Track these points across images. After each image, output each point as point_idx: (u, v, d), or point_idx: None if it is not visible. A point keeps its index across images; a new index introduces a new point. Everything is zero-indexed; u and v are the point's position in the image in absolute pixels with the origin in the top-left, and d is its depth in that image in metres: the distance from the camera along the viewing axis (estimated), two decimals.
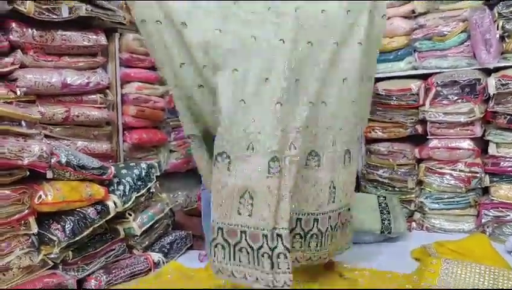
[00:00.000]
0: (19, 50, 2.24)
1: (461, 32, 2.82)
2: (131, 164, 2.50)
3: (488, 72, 2.75)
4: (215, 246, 1.73)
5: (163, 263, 2.35)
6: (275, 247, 1.65)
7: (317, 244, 1.86)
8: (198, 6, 1.85)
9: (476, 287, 1.76)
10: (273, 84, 1.74)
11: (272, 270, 1.64)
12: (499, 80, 2.62)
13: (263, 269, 1.66)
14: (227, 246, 1.71)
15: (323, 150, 1.85)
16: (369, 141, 3.16)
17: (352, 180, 2.01)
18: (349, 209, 2.01)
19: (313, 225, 1.85)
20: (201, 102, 1.86)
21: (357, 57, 1.91)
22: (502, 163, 2.66)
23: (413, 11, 3.03)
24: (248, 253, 1.69)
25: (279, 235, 1.65)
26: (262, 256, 1.66)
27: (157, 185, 2.57)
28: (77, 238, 1.99)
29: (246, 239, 1.68)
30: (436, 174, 2.82)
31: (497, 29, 2.69)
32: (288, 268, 1.64)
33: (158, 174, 2.59)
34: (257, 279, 1.67)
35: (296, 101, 1.78)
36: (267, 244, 1.66)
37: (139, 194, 2.35)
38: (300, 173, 1.79)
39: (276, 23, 1.82)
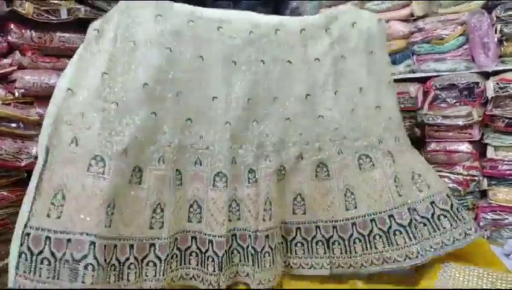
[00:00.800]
0: (17, 51, 2.24)
1: (460, 35, 2.83)
2: None
3: (486, 75, 2.76)
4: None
5: None
6: (263, 247, 1.77)
7: (341, 251, 1.90)
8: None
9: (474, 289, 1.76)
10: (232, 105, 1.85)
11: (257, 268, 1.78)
12: (497, 83, 2.63)
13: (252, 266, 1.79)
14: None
15: (330, 161, 1.95)
16: None
17: (381, 184, 1.87)
18: (391, 215, 1.85)
19: (333, 231, 1.92)
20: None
21: (329, 70, 1.97)
22: (500, 166, 2.67)
23: (411, 15, 3.04)
24: (239, 252, 1.82)
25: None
26: (251, 255, 1.78)
27: None
28: None
29: (236, 241, 1.83)
30: None
31: (496, 32, 2.70)
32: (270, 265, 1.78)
33: None
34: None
35: (272, 118, 1.91)
36: (251, 244, 1.80)
37: None
38: (313, 184, 1.93)
39: (229, 44, 1.85)
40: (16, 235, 1.53)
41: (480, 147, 2.79)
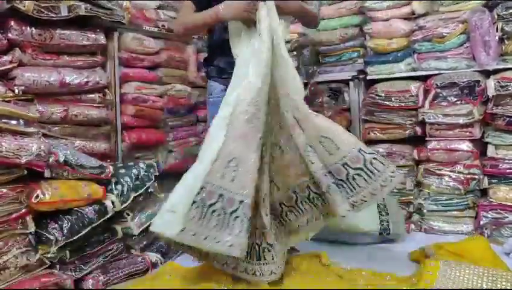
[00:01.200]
0: (18, 48, 2.24)
1: (461, 33, 2.82)
2: (130, 164, 2.50)
3: (487, 73, 2.75)
4: None
5: (161, 263, 2.34)
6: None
7: (321, 203, 2.03)
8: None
9: (474, 289, 1.76)
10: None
11: None
12: (498, 81, 2.62)
13: None
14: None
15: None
16: (369, 142, 3.15)
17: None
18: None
19: (308, 190, 2.04)
20: None
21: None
22: (500, 165, 2.66)
23: (412, 13, 3.03)
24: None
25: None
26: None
27: (156, 185, 2.56)
28: (75, 238, 1.98)
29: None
30: (435, 176, 2.82)
31: (497, 31, 2.69)
32: None
33: (157, 174, 2.57)
34: None
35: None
36: None
37: (137, 194, 2.34)
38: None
39: None
40: (192, 186, 1.81)
41: (481, 146, 2.79)
